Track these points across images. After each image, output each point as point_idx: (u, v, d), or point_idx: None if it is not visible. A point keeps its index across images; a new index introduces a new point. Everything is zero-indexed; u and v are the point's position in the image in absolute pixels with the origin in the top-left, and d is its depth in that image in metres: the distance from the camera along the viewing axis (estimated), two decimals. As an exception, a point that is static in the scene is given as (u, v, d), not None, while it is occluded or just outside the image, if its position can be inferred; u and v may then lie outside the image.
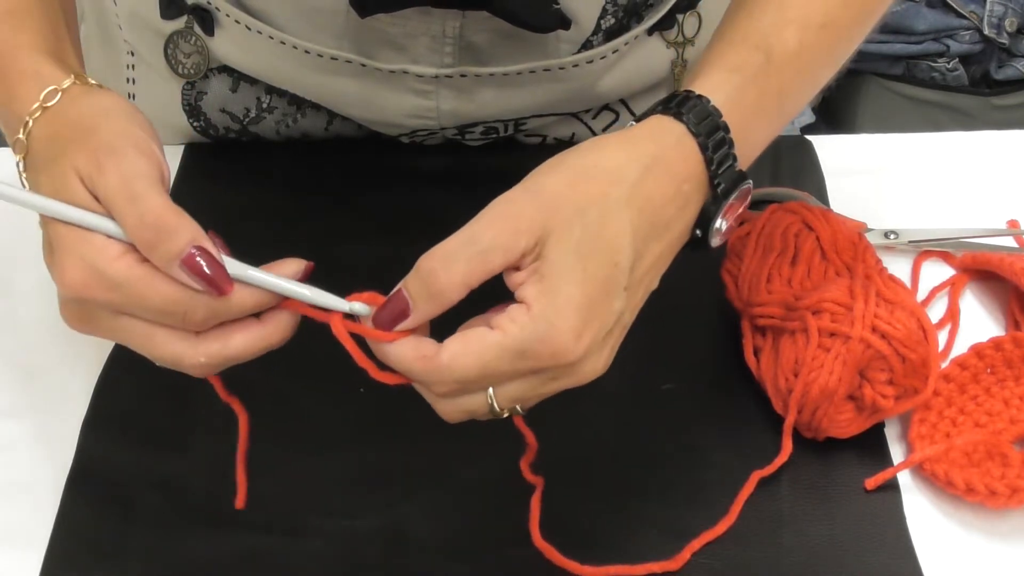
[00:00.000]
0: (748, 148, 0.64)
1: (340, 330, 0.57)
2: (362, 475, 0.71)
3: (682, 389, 0.76)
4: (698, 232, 0.63)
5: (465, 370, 0.55)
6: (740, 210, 0.64)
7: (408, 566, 0.67)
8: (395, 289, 0.57)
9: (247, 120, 0.91)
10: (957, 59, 1.63)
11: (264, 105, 0.91)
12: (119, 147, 0.57)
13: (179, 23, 0.86)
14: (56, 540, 0.68)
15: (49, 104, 0.61)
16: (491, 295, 0.57)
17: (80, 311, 0.59)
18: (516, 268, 0.56)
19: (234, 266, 0.56)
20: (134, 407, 0.74)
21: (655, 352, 0.77)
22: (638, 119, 0.63)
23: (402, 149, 0.91)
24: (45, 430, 0.74)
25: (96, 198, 0.57)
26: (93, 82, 0.63)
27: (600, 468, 0.71)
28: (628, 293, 0.58)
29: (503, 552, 0.67)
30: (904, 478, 0.72)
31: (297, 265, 0.58)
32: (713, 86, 0.63)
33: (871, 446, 0.73)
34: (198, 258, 0.55)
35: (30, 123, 0.61)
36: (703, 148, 0.61)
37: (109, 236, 0.56)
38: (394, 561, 0.67)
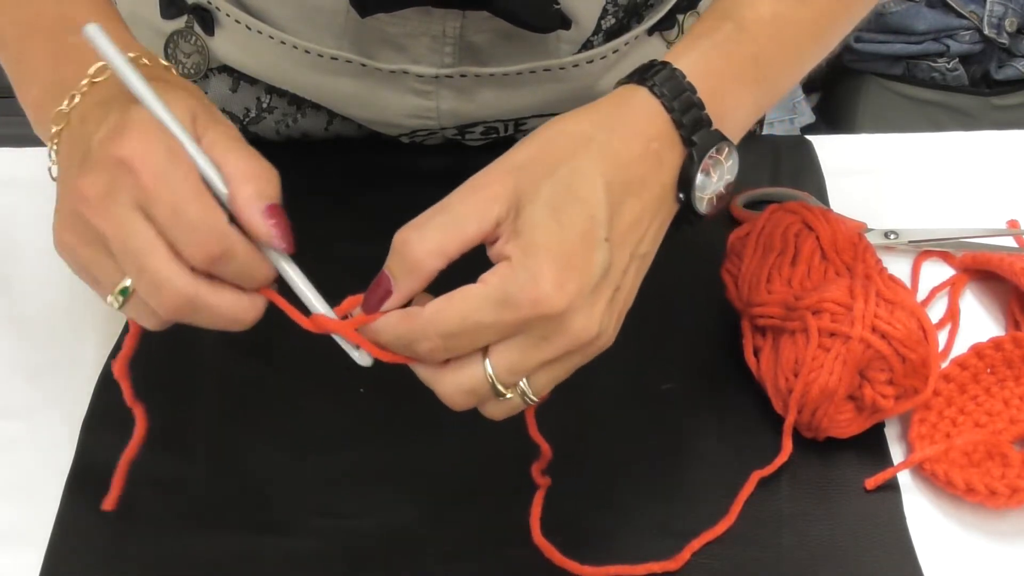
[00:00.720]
0: (727, 111, 0.64)
1: (323, 324, 0.58)
2: (362, 475, 0.71)
3: (682, 389, 0.76)
4: (681, 196, 0.63)
5: (447, 322, 0.55)
6: (728, 176, 0.64)
7: (408, 566, 0.67)
8: (377, 276, 0.58)
9: (247, 120, 0.91)
10: (957, 59, 1.63)
11: (264, 105, 0.91)
12: (225, 118, 0.59)
13: (179, 23, 0.87)
14: (56, 540, 0.68)
15: (98, 80, 0.61)
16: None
17: (103, 186, 0.55)
18: (495, 240, 0.57)
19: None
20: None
21: (655, 352, 0.77)
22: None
23: (402, 149, 0.92)
24: (45, 430, 0.74)
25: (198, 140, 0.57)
26: (146, 62, 0.63)
27: (600, 468, 0.71)
28: (612, 247, 0.58)
29: (503, 552, 0.67)
30: (904, 478, 0.72)
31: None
32: (677, 53, 0.64)
33: (871, 446, 0.73)
34: (280, 209, 0.56)
35: (77, 97, 0.61)
36: (668, 109, 0.61)
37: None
38: (394, 561, 0.67)
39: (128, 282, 0.56)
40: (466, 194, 0.57)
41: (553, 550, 0.65)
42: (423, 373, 0.59)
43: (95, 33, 0.56)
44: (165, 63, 0.64)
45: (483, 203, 0.56)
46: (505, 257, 0.56)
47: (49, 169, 0.62)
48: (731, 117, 0.64)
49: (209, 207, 0.55)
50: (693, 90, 0.62)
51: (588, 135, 0.59)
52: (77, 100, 0.61)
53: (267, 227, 0.55)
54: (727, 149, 0.63)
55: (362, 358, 0.58)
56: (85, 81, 0.61)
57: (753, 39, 0.66)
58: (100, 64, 0.61)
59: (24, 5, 0.67)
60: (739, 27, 0.66)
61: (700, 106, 0.62)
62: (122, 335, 0.78)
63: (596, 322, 0.57)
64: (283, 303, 0.58)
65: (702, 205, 0.63)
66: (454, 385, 0.57)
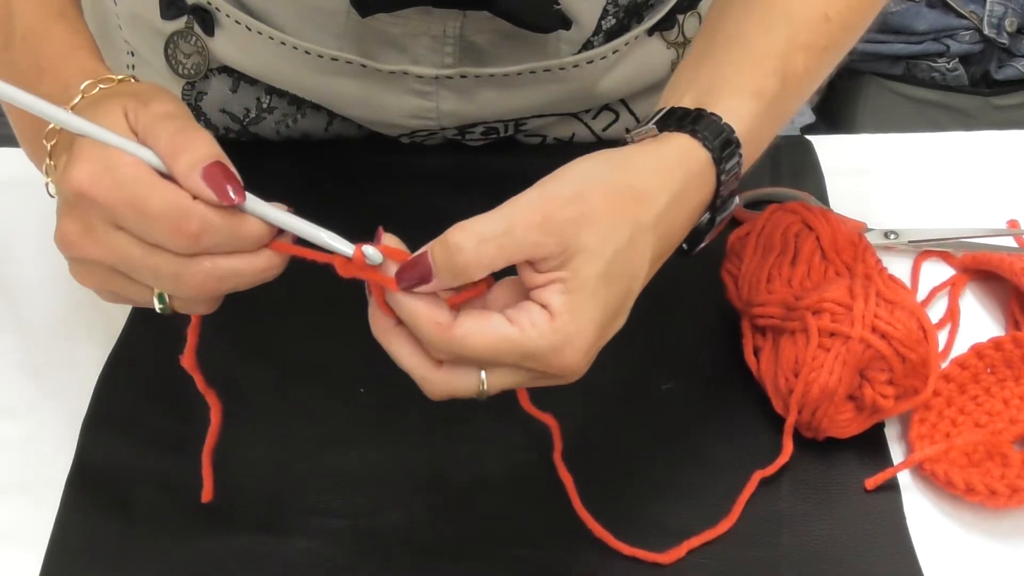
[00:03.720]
0: (749, 165, 0.65)
1: (353, 269, 0.56)
2: (362, 475, 0.71)
3: (682, 389, 0.76)
4: (684, 246, 0.64)
5: (474, 350, 0.55)
6: (721, 228, 0.66)
7: (408, 566, 0.67)
8: (420, 251, 0.56)
9: (247, 120, 0.91)
10: (957, 59, 1.63)
11: (264, 105, 0.91)
12: (164, 93, 0.60)
13: (179, 23, 0.86)
14: (56, 540, 0.68)
15: (102, 87, 0.62)
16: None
17: (79, 224, 0.57)
18: (533, 265, 0.56)
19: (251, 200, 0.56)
20: (134, 407, 0.74)
21: (655, 352, 0.77)
22: (662, 121, 0.63)
23: (402, 149, 0.91)
24: (45, 430, 0.74)
25: (135, 133, 0.57)
26: (102, 86, 0.63)
27: (600, 468, 0.71)
28: (629, 309, 0.60)
29: (503, 552, 0.67)
30: (904, 478, 0.72)
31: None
32: (737, 113, 0.63)
33: (871, 446, 0.73)
34: (214, 168, 0.55)
35: (77, 99, 0.61)
36: (719, 178, 0.62)
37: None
38: (394, 561, 0.67)
39: (156, 290, 0.58)
40: (532, 215, 0.56)
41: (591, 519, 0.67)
42: (410, 361, 0.57)
43: (3, 88, 0.56)
44: (121, 77, 0.63)
45: (543, 235, 0.55)
46: (549, 307, 0.56)
47: (46, 185, 0.62)
48: (748, 168, 0.65)
49: (167, 194, 0.55)
50: (741, 160, 0.63)
51: (654, 199, 0.59)
52: (77, 101, 0.62)
53: (208, 191, 0.55)
54: (734, 208, 0.66)
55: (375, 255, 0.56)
56: (89, 83, 0.62)
57: (789, 96, 0.67)
58: (107, 76, 0.62)
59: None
60: (782, 85, 0.65)
61: (739, 174, 0.63)
62: (122, 335, 0.78)
63: (589, 365, 0.58)
64: (299, 251, 0.57)
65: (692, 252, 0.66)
66: (445, 386, 0.57)
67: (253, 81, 0.89)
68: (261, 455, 0.71)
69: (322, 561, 0.67)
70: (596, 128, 0.93)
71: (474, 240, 0.55)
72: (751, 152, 0.64)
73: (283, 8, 0.82)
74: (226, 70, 0.89)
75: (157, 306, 0.58)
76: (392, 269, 0.56)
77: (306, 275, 0.59)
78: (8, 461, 0.73)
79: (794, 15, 0.67)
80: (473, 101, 0.85)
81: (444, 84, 0.84)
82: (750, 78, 0.65)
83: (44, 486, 0.70)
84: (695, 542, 0.67)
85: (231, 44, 0.86)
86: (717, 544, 0.68)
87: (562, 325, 0.55)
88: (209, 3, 0.84)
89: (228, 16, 0.84)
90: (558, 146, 0.94)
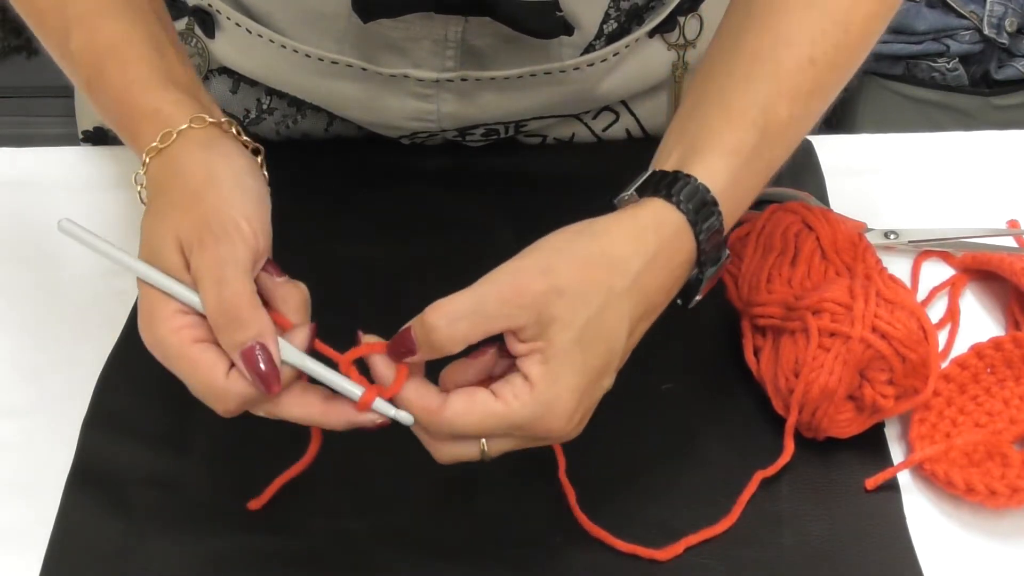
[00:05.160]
0: (733, 220, 0.66)
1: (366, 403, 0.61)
2: (362, 475, 0.71)
3: (682, 389, 0.76)
4: (679, 301, 0.66)
5: (464, 428, 0.59)
6: (715, 279, 0.67)
7: (409, 566, 0.67)
8: (405, 327, 0.60)
9: (247, 121, 0.91)
10: (957, 59, 1.63)
11: (264, 106, 0.91)
12: (221, 227, 0.60)
13: (180, 24, 0.87)
14: (56, 540, 0.68)
15: (164, 146, 0.64)
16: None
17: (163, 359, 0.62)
18: (515, 334, 0.59)
19: (290, 353, 0.60)
20: (134, 407, 0.74)
21: (655, 352, 0.76)
22: (641, 186, 0.65)
23: (402, 150, 0.91)
24: (45, 430, 0.74)
25: (188, 266, 0.60)
26: (210, 120, 0.65)
27: (600, 468, 0.71)
28: (617, 366, 0.63)
29: (503, 552, 0.67)
30: (904, 478, 0.72)
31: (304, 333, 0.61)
32: (713, 172, 0.64)
33: (871, 446, 0.73)
34: (257, 353, 0.58)
35: (147, 160, 0.64)
36: (698, 238, 0.64)
37: (185, 305, 0.60)
38: (394, 561, 0.67)
39: None
40: (502, 291, 0.59)
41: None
42: (418, 433, 0.62)
43: (71, 228, 0.62)
44: (223, 119, 0.66)
45: (515, 308, 0.59)
46: (529, 377, 0.59)
47: (140, 193, 0.65)
48: (734, 219, 0.66)
49: (204, 375, 0.59)
50: (720, 217, 0.64)
51: (626, 265, 0.61)
52: (148, 163, 0.64)
53: (245, 373, 0.59)
54: (725, 260, 0.67)
55: (405, 418, 0.60)
56: (153, 145, 0.64)
57: (770, 147, 0.67)
58: (166, 131, 0.64)
59: (95, 29, 0.68)
60: (762, 135, 0.66)
61: (720, 230, 0.64)
62: (122, 335, 0.78)
63: (582, 425, 0.62)
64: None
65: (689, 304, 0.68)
66: (450, 455, 0.61)
67: (253, 82, 0.89)
68: (260, 455, 0.71)
69: (321, 561, 0.67)
70: (596, 128, 0.93)
71: (446, 320, 0.58)
72: (732, 208, 0.65)
73: (284, 11, 0.82)
74: (226, 71, 0.89)
75: None
76: (389, 378, 0.60)
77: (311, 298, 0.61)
78: (8, 461, 0.73)
79: (779, 63, 0.68)
80: (474, 103, 0.85)
81: (445, 87, 0.84)
82: (729, 134, 0.66)
83: (44, 486, 0.70)
84: (693, 540, 0.67)
85: (231, 46, 0.86)
86: (717, 543, 0.68)
87: (539, 394, 0.59)
88: (210, 5, 0.84)
89: (229, 18, 0.84)
90: (558, 146, 0.94)
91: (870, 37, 0.71)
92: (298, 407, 0.61)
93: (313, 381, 0.61)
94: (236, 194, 0.62)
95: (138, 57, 0.67)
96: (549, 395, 0.59)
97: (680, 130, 0.68)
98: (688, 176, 0.64)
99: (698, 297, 0.67)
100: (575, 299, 0.59)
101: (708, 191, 0.64)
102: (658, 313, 0.64)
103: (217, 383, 0.59)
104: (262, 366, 0.58)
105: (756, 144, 0.66)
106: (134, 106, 0.65)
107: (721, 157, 0.65)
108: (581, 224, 0.63)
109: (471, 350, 0.61)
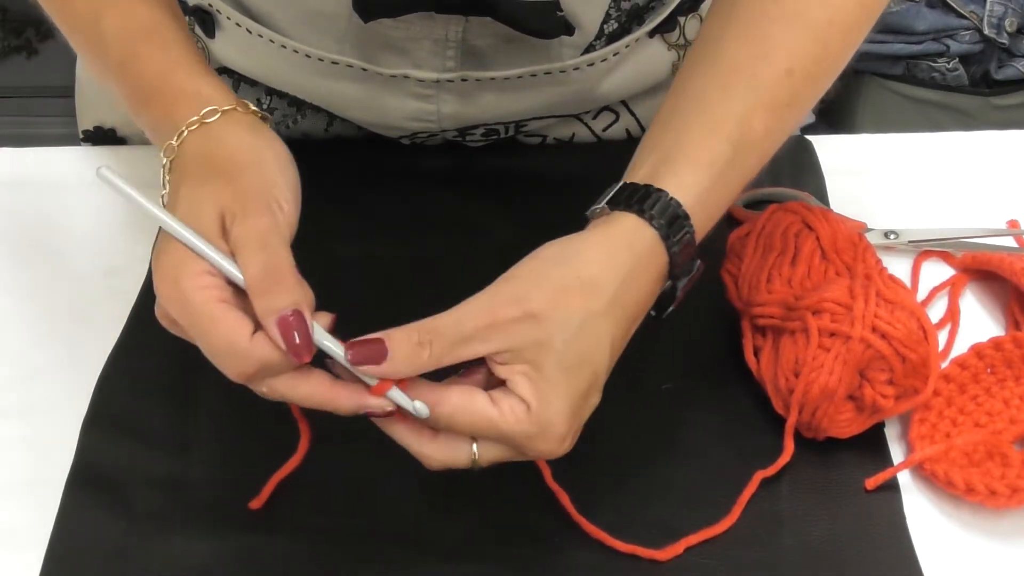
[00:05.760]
0: (705, 231, 0.67)
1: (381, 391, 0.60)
2: (362, 475, 0.71)
3: (682, 389, 0.76)
4: (652, 312, 0.66)
5: (458, 426, 0.60)
6: (688, 288, 0.68)
7: (408, 566, 0.67)
8: (381, 334, 0.59)
9: (247, 121, 0.91)
10: (957, 59, 1.63)
11: (264, 107, 0.91)
12: (265, 202, 0.61)
13: (180, 24, 0.86)
14: (56, 540, 0.68)
15: (208, 120, 0.64)
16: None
17: (161, 310, 0.61)
18: (493, 359, 0.60)
19: (317, 332, 0.59)
20: (134, 407, 0.74)
21: (655, 352, 0.77)
22: (612, 199, 0.65)
23: (402, 150, 0.92)
24: (45, 430, 0.74)
25: (225, 236, 0.60)
26: (254, 109, 0.66)
27: (600, 468, 0.71)
28: (603, 382, 0.63)
29: (503, 552, 0.67)
30: (904, 478, 0.72)
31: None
32: (686, 186, 0.65)
33: (871, 446, 0.73)
34: (293, 320, 0.58)
35: (185, 132, 0.64)
36: (670, 251, 0.64)
37: (216, 270, 0.59)
38: (394, 561, 0.67)
39: None
40: (479, 315, 0.60)
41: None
42: (407, 438, 0.62)
43: (109, 176, 0.60)
44: (258, 111, 0.66)
45: (490, 332, 0.59)
46: (525, 399, 0.59)
47: (162, 197, 0.64)
48: (706, 231, 0.67)
49: (227, 332, 0.58)
50: (692, 230, 0.64)
51: (600, 286, 0.62)
52: (186, 135, 0.64)
53: (279, 340, 0.58)
54: (697, 271, 0.67)
55: (420, 408, 0.60)
56: (195, 119, 0.64)
57: (744, 160, 0.67)
58: (211, 108, 0.64)
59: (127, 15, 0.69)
60: (735, 150, 0.66)
61: (693, 243, 0.65)
62: (122, 335, 0.78)
63: (572, 443, 0.63)
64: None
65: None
66: (440, 457, 0.61)
67: (253, 82, 0.89)
68: (260, 455, 0.71)
69: (322, 561, 0.67)
70: (596, 128, 0.93)
71: (427, 336, 0.59)
72: (704, 220, 0.65)
73: (284, 11, 0.82)
74: (226, 71, 0.89)
75: None
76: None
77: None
78: (8, 461, 0.73)
79: (757, 74, 0.67)
80: (474, 104, 0.85)
81: (445, 87, 0.84)
82: (703, 147, 0.66)
83: (44, 486, 0.70)
84: (693, 540, 0.67)
85: (232, 46, 0.86)
86: (717, 543, 0.68)
87: (534, 415, 0.59)
88: (210, 5, 0.84)
89: (229, 18, 0.84)
90: (558, 146, 0.94)
91: (848, 49, 0.72)
92: (306, 385, 0.60)
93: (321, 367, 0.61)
94: (280, 179, 0.63)
95: (175, 40, 0.68)
96: (544, 418, 0.60)
97: (654, 140, 0.68)
98: (660, 190, 0.64)
99: (672, 308, 0.67)
100: (551, 324, 0.60)
101: (680, 205, 0.64)
102: (637, 324, 0.65)
103: (240, 343, 0.58)
104: (296, 333, 0.58)
105: (730, 157, 0.66)
106: (175, 85, 0.66)
107: (694, 171, 0.65)
108: (554, 247, 0.63)
109: (464, 367, 0.61)
